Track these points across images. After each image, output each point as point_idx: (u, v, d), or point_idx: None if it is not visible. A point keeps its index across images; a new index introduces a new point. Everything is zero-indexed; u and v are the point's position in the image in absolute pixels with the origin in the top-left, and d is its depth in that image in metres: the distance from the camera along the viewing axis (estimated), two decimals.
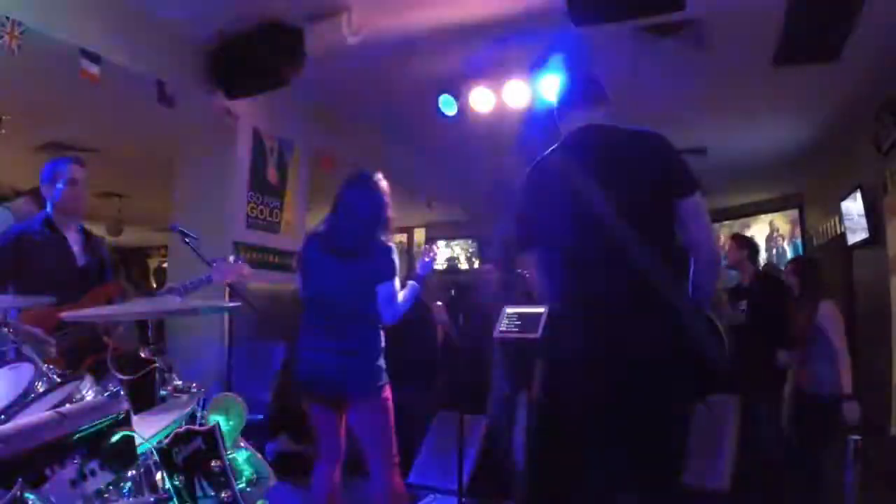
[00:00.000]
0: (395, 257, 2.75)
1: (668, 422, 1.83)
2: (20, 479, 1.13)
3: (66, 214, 2.83)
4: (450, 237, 11.15)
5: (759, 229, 10.08)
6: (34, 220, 2.86)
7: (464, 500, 3.34)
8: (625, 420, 1.80)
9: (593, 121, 2.02)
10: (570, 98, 2.10)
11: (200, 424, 1.95)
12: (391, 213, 2.77)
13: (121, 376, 2.24)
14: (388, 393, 2.72)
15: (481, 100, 4.80)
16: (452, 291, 6.49)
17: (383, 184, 2.78)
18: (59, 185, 2.80)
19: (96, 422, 1.35)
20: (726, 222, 10.49)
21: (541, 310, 3.28)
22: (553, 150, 2.03)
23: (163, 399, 2.35)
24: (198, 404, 2.24)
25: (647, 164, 1.89)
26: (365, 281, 2.68)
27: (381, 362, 2.74)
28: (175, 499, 1.62)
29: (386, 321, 2.74)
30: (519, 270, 3.26)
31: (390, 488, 2.68)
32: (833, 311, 3.45)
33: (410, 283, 2.87)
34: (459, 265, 10.09)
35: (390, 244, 2.79)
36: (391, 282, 2.71)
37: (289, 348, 5.28)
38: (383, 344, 2.78)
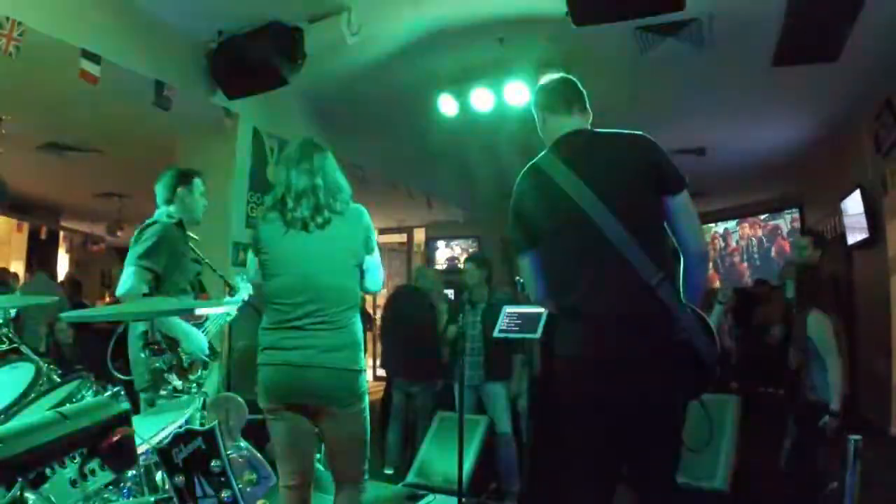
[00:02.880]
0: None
1: (664, 419, 1.84)
2: (20, 479, 1.13)
3: None
4: (450, 237, 11.16)
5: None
6: None
7: (464, 500, 3.34)
8: (621, 418, 1.81)
9: (578, 124, 2.06)
10: (558, 101, 2.11)
11: (200, 424, 1.95)
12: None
13: (121, 376, 2.25)
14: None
15: (481, 100, 4.80)
16: (452, 291, 6.50)
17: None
18: None
19: (96, 422, 1.35)
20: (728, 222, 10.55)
21: (541, 310, 3.29)
22: (545, 153, 2.05)
23: (163, 399, 2.35)
24: (197, 404, 2.25)
25: (635, 164, 1.91)
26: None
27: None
28: (175, 499, 1.62)
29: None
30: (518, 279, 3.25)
31: None
32: (820, 324, 3.28)
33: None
34: (459, 265, 10.10)
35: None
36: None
37: None
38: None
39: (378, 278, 2.43)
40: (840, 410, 3.17)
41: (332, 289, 2.25)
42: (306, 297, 2.21)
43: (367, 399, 2.35)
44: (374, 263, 2.40)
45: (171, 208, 3.03)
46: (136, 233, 2.89)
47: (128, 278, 2.69)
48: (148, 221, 2.94)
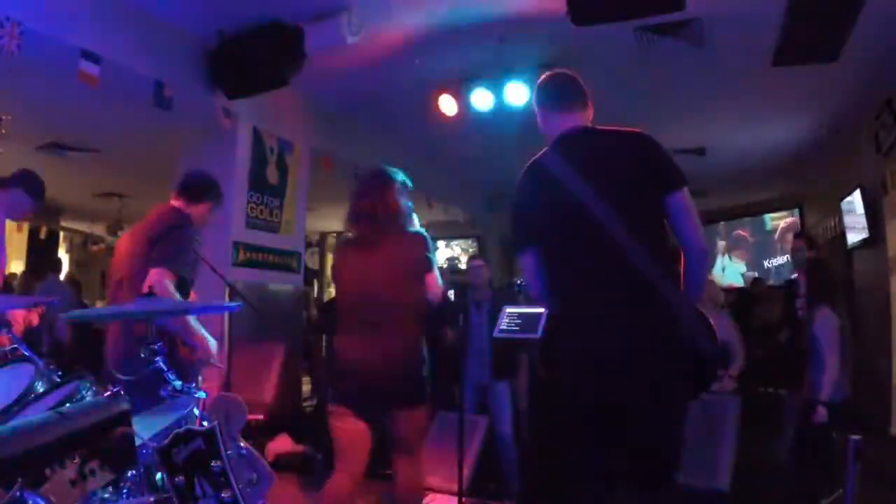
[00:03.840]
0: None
1: (665, 419, 1.83)
2: (20, 479, 1.13)
3: None
4: (450, 237, 11.15)
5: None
6: None
7: (464, 500, 3.34)
8: (621, 418, 1.81)
9: (580, 122, 2.05)
10: (559, 99, 2.11)
11: (200, 425, 1.95)
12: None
13: (121, 376, 2.24)
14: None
15: (481, 100, 4.80)
16: (453, 292, 6.50)
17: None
18: None
19: (96, 422, 1.35)
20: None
21: (541, 310, 3.28)
22: (545, 151, 2.05)
23: (163, 400, 2.35)
24: (197, 405, 2.25)
25: (635, 162, 1.91)
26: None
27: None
28: (175, 499, 1.62)
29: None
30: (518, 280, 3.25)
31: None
32: (827, 320, 3.35)
33: None
34: (459, 265, 10.09)
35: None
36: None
37: (288, 349, 5.29)
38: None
39: None
40: (827, 402, 3.20)
41: None
42: None
43: None
44: None
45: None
46: None
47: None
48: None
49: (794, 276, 4.34)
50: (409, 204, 2.64)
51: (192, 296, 2.95)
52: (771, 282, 9.07)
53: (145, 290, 2.53)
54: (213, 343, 2.77)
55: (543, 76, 2.19)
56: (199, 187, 2.99)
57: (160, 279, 2.57)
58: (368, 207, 2.55)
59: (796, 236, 4.37)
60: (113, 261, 2.99)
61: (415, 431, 2.55)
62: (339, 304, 2.67)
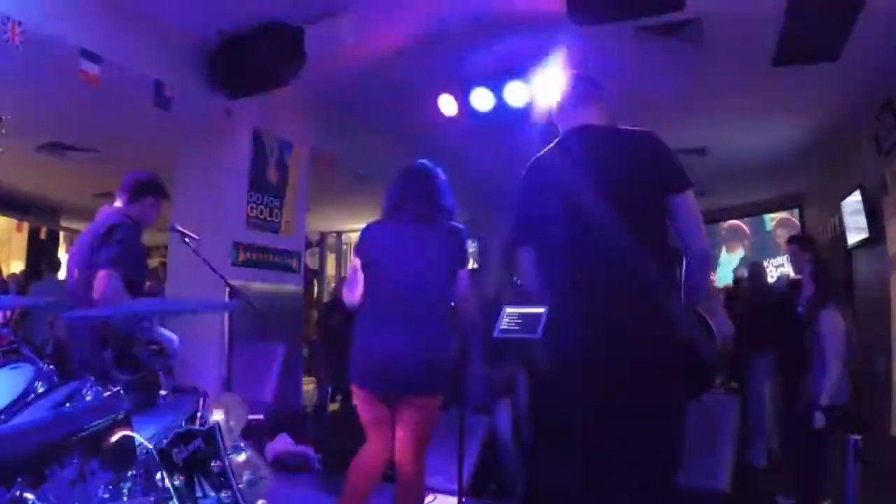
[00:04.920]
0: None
1: (665, 420, 1.83)
2: (20, 479, 1.13)
3: None
4: None
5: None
6: None
7: (464, 500, 3.34)
8: (622, 419, 1.80)
9: (589, 119, 2.04)
10: (568, 97, 2.11)
11: (201, 424, 1.95)
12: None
13: (121, 376, 2.24)
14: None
15: (481, 100, 4.80)
16: None
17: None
18: None
19: (96, 422, 1.35)
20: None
21: (541, 310, 3.28)
22: (550, 148, 2.05)
23: (163, 399, 2.35)
24: (197, 405, 2.25)
25: (641, 162, 1.91)
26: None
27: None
28: (175, 499, 1.62)
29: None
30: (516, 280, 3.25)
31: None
32: (832, 321, 3.31)
33: None
34: None
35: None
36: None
37: (288, 349, 5.29)
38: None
39: None
40: (826, 406, 3.17)
41: None
42: None
43: None
44: None
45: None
46: None
47: None
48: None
49: (789, 276, 4.32)
50: (452, 200, 2.69)
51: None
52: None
53: (96, 296, 2.56)
54: (174, 339, 2.82)
55: (555, 73, 2.19)
56: (138, 184, 3.03)
57: (106, 285, 2.61)
58: (416, 198, 2.59)
59: (790, 241, 4.33)
60: (67, 263, 3.05)
61: (427, 419, 2.56)
62: (374, 289, 2.59)
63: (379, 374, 2.49)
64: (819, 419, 3.15)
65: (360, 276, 2.61)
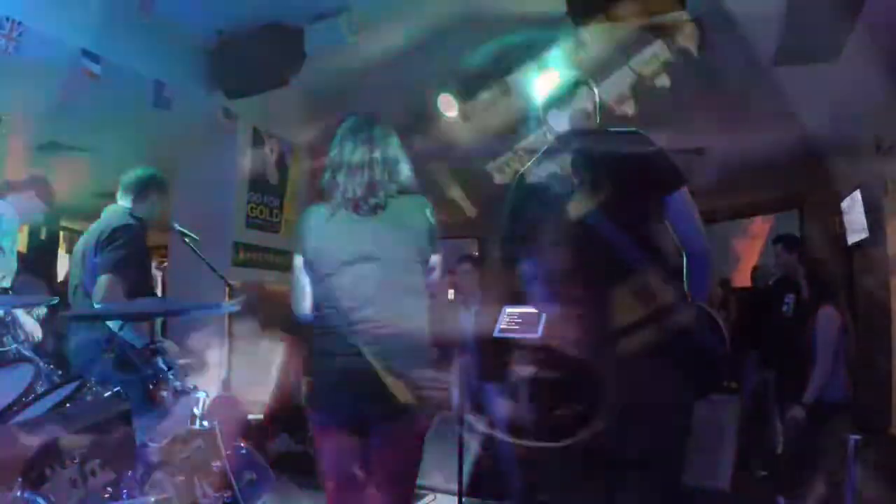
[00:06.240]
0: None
1: (670, 421, 1.83)
2: (20, 479, 1.13)
3: None
4: (450, 237, 11.14)
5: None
6: None
7: (464, 500, 3.34)
8: (626, 420, 1.80)
9: (578, 121, 2.05)
10: (554, 100, 2.11)
11: (200, 425, 1.95)
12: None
13: (121, 376, 2.24)
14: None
15: (482, 100, 4.79)
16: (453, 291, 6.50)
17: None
18: None
19: (96, 422, 1.35)
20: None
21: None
22: (542, 153, 2.05)
23: (164, 399, 2.35)
24: (197, 405, 2.25)
25: (633, 162, 1.91)
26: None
27: None
28: (175, 499, 1.62)
29: None
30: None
31: None
32: (828, 321, 3.33)
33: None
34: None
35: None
36: None
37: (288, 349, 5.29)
38: None
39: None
40: (811, 403, 3.18)
41: None
42: None
43: None
44: None
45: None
46: None
47: None
48: None
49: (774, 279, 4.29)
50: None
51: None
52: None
53: (95, 302, 2.57)
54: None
55: (544, 75, 2.20)
56: (141, 182, 3.04)
57: (105, 292, 2.60)
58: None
59: (776, 240, 4.33)
60: (70, 264, 3.04)
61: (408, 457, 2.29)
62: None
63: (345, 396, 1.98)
64: (799, 413, 3.16)
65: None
